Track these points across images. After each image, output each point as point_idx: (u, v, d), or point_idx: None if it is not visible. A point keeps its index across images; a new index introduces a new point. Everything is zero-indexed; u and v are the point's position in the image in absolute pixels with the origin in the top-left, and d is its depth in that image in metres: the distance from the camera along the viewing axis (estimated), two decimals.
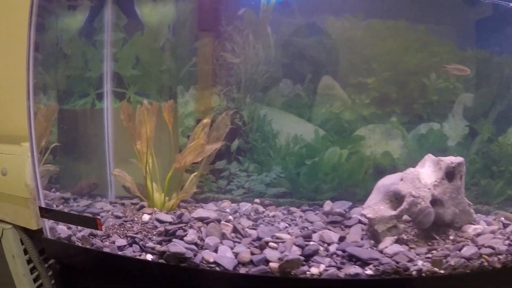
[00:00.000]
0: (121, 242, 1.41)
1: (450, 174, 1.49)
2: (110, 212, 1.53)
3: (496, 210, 1.74)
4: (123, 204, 1.55)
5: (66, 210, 1.59)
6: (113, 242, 1.43)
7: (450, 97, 1.70)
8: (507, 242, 1.46)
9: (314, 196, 1.66)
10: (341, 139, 1.66)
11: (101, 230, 1.42)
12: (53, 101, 1.58)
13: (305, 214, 1.62)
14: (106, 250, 1.42)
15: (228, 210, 1.61)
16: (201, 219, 1.46)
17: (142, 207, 1.52)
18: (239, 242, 1.40)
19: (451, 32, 1.60)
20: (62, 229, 1.53)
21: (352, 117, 1.67)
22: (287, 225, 1.54)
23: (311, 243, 1.40)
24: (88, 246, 1.46)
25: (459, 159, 1.49)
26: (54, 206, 1.57)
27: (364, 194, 1.64)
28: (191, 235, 1.37)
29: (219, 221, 1.45)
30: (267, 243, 1.37)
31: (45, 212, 1.53)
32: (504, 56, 1.69)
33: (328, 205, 1.63)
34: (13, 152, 1.67)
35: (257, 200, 1.67)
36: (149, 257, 1.38)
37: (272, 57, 1.64)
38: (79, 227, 1.47)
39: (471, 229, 1.53)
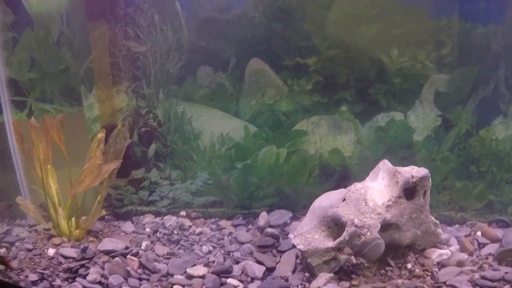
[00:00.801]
0: (33, 277, 1.11)
1: (410, 190, 1.03)
2: (24, 243, 1.18)
3: (473, 218, 1.24)
4: (36, 231, 1.20)
5: None
6: (27, 277, 1.10)
7: (418, 80, 1.17)
8: (476, 275, 0.98)
9: (249, 204, 1.22)
10: (277, 136, 1.20)
11: (10, 267, 1.09)
12: None
13: (236, 230, 1.22)
14: (22, 284, 1.10)
15: (148, 229, 1.23)
16: (107, 252, 1.13)
17: (52, 236, 1.17)
18: (147, 280, 1.07)
19: None
20: None
21: (291, 108, 1.19)
22: (210, 248, 1.14)
23: (229, 281, 1.00)
24: (6, 280, 1.13)
25: (423, 172, 1.03)
26: None
27: (309, 199, 1.20)
28: (93, 274, 1.08)
29: (125, 255, 1.12)
30: (172, 286, 0.99)
31: None
32: (492, 26, 1.10)
33: (263, 219, 1.23)
34: None
35: (183, 213, 1.29)
36: None
37: (185, 40, 1.14)
38: None
39: (435, 255, 1.11)
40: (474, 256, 1.16)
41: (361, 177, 1.13)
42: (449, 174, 1.25)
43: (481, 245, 1.19)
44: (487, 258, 1.13)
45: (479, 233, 1.25)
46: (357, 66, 1.17)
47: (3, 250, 1.20)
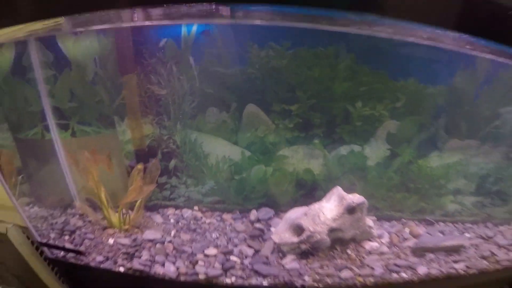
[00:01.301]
0: (100, 258, 1.75)
1: (351, 209, 1.63)
2: (83, 231, 1.82)
3: (409, 216, 1.89)
4: (90, 221, 1.83)
5: (50, 229, 1.87)
6: (94, 259, 1.78)
7: (375, 124, 1.69)
8: (391, 262, 1.67)
9: (244, 203, 1.86)
10: (266, 159, 1.77)
11: (81, 253, 1.75)
12: (6, 133, 1.70)
13: (234, 222, 1.87)
14: (92, 264, 1.79)
15: (172, 220, 1.86)
16: (150, 240, 1.83)
17: (106, 227, 1.83)
18: (179, 257, 1.78)
19: (385, 63, 1.50)
20: (58, 251, 1.86)
21: (276, 139, 1.75)
22: (217, 235, 1.81)
23: (231, 258, 1.71)
24: (78, 262, 1.82)
25: (361, 199, 1.64)
26: (39, 226, 1.86)
27: (287, 202, 1.83)
28: (145, 256, 1.79)
29: (163, 242, 1.81)
30: (197, 261, 1.69)
31: (44, 245, 1.83)
32: (439, 87, 1.59)
33: (253, 215, 1.89)
34: None
35: (196, 208, 1.91)
36: (121, 269, 1.75)
37: (197, 88, 1.62)
38: None
39: (368, 246, 1.76)
40: (397, 247, 1.85)
41: (325, 188, 1.74)
42: (392, 188, 1.86)
43: (405, 240, 1.90)
44: (405, 250, 1.84)
45: (407, 230, 1.96)
46: (328, 112, 1.66)
47: (66, 237, 1.86)
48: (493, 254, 2.04)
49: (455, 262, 1.88)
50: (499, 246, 1.99)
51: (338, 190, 1.73)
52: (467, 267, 1.90)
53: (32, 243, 2.69)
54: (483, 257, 1.97)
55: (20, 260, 2.68)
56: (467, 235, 2.04)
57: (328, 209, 1.70)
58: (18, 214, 2.31)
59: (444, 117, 1.73)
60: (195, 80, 1.62)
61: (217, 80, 1.62)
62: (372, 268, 1.74)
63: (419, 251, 1.90)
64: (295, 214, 1.72)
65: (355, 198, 1.69)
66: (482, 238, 2.09)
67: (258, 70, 1.57)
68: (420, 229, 2.00)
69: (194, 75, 1.61)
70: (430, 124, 1.73)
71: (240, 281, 1.68)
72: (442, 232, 2.06)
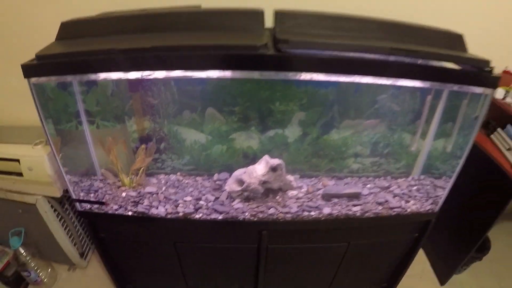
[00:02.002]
0: (115, 207, 2.83)
1: (274, 168, 3.22)
2: (104, 190, 3.38)
3: (323, 174, 3.47)
4: (109, 183, 3.43)
5: (80, 189, 3.39)
6: (112, 207, 3.29)
7: (290, 115, 3.26)
8: (305, 204, 3.28)
9: (210, 169, 3.47)
10: (221, 141, 3.34)
11: (106, 206, 3.31)
12: (51, 125, 3.20)
13: (203, 181, 3.47)
14: (109, 212, 2.96)
15: (163, 181, 3.48)
16: (149, 193, 3.29)
17: (119, 186, 3.40)
18: (167, 202, 3.23)
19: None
20: (85, 205, 3.39)
21: (228, 129, 3.29)
22: (192, 189, 3.41)
23: (200, 202, 3.28)
24: (100, 211, 3.16)
25: (278, 161, 3.06)
26: (72, 187, 3.39)
27: (236, 167, 3.42)
28: (145, 202, 2.98)
29: (157, 193, 3.31)
30: (178, 204, 3.29)
31: (77, 201, 3.36)
32: (330, 88, 3.16)
33: (215, 177, 3.42)
34: (33, 154, 3.48)
35: (178, 173, 3.49)
36: (129, 213, 3.24)
37: (176, 99, 3.20)
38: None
39: (290, 193, 3.28)
40: (310, 194, 3.44)
41: (261, 158, 3.33)
42: (308, 155, 3.43)
43: (318, 189, 3.28)
44: (316, 196, 3.34)
45: (321, 183, 3.46)
46: (259, 110, 3.21)
47: (92, 194, 3.45)
48: (386, 201, 3.64)
49: (354, 206, 3.17)
50: (394, 195, 3.11)
51: (265, 157, 3.09)
52: (362, 210, 3.30)
53: (55, 211, 4.34)
54: (378, 203, 3.38)
55: (43, 227, 4.29)
56: (368, 185, 3.19)
57: (259, 169, 3.13)
58: (48, 187, 3.90)
59: (336, 106, 3.29)
60: (175, 94, 3.19)
61: (189, 94, 3.17)
62: (290, 208, 3.27)
63: (326, 197, 3.47)
64: (239, 172, 2.88)
65: (275, 161, 2.72)
66: (380, 188, 3.47)
67: (213, 87, 3.13)
68: (331, 182, 3.58)
69: (174, 91, 3.17)
70: (327, 112, 3.28)
71: (205, 216, 3.25)
72: (348, 184, 3.65)
